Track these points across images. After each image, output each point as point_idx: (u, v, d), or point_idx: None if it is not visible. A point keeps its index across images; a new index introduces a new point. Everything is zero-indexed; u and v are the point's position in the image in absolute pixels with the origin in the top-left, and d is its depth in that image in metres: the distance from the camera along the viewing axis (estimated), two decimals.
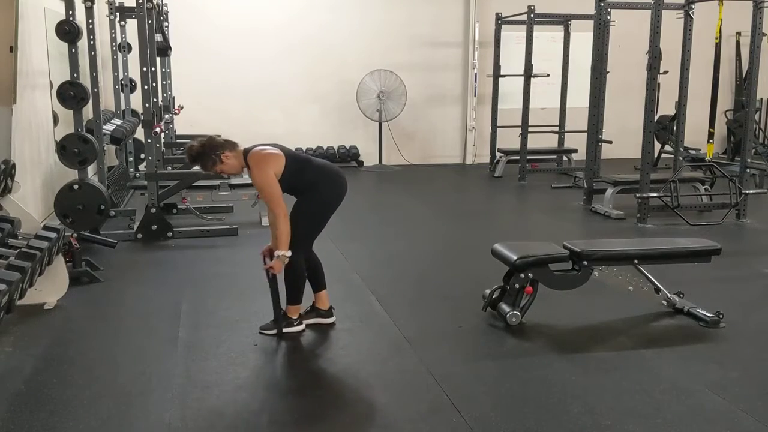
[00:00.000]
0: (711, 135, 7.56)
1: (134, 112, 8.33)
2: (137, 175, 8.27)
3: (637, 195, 6.97)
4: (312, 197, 3.92)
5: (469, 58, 11.26)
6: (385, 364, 3.73)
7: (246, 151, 3.88)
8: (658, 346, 3.90)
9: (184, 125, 9.78)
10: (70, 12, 5.65)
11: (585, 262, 4.20)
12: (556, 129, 10.37)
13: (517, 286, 4.13)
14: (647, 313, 4.38)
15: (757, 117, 11.23)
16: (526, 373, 3.52)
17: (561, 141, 10.42)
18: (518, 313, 4.09)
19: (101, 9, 7.83)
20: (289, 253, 3.80)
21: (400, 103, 10.67)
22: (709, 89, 7.60)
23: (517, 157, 9.75)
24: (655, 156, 9.26)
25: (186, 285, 4.96)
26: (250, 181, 7.04)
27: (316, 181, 3.90)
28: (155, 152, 6.46)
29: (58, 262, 4.46)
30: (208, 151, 3.82)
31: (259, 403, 3.26)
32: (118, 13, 8.15)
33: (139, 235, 6.18)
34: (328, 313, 4.17)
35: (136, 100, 7.75)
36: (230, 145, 3.87)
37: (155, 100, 6.65)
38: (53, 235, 4.28)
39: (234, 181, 7.11)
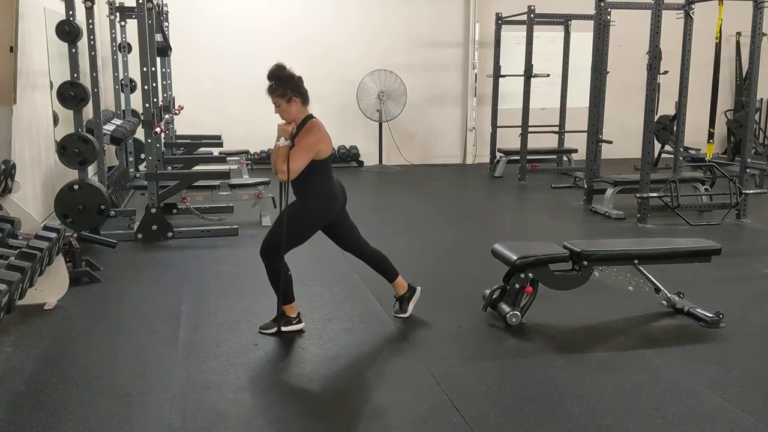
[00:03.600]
0: (711, 135, 7.55)
1: (134, 112, 8.34)
2: (137, 175, 8.28)
3: (637, 195, 6.97)
4: (308, 204, 3.90)
5: (469, 58, 11.26)
6: (385, 364, 3.73)
7: (310, 115, 3.92)
8: (658, 346, 3.90)
9: (184, 125, 9.79)
10: (70, 12, 5.65)
11: (585, 262, 4.20)
12: (556, 129, 10.37)
13: (517, 286, 4.13)
14: (647, 313, 4.38)
15: (757, 117, 11.23)
16: (526, 373, 3.52)
17: (561, 141, 10.42)
18: (518, 313, 4.09)
19: (101, 9, 7.85)
20: (285, 143, 3.80)
21: (400, 103, 10.67)
22: (709, 89, 7.59)
23: (517, 157, 9.75)
24: (655, 156, 9.26)
25: (186, 285, 4.96)
26: (249, 182, 7.17)
27: (320, 185, 3.90)
28: (155, 152, 6.46)
29: (58, 262, 4.46)
30: (292, 84, 3.83)
31: (259, 403, 3.26)
32: (118, 14, 8.17)
33: (139, 235, 6.18)
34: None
35: (136, 100, 7.77)
36: (306, 100, 3.91)
37: (155, 100, 6.65)
38: (53, 235, 4.28)
39: (234, 181, 7.13)
